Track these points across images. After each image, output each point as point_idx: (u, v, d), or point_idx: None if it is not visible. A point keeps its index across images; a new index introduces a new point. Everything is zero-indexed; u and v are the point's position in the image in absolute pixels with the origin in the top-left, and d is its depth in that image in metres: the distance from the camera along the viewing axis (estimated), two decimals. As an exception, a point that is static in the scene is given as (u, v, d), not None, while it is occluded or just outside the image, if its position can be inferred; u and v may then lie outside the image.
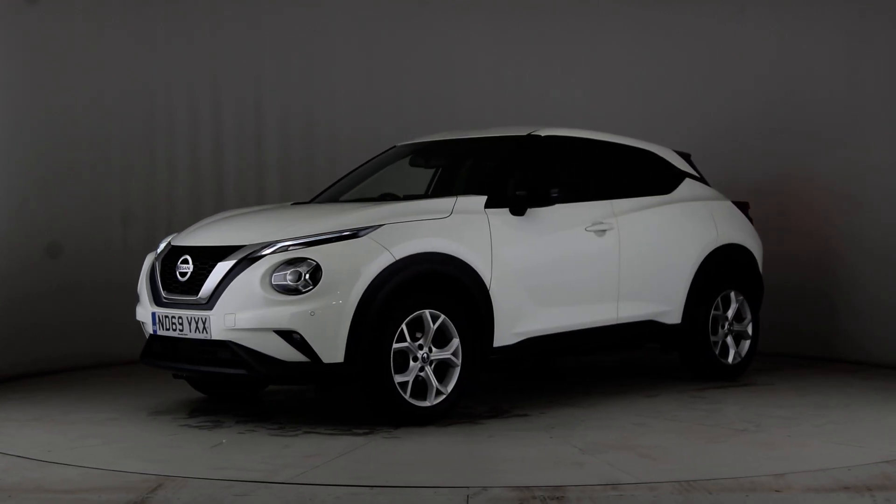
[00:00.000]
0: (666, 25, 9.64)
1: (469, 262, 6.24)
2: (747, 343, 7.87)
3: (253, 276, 5.85)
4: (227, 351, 5.91)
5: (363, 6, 9.82)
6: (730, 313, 7.75)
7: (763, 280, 8.04)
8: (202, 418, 6.44)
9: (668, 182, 7.70)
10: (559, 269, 6.74)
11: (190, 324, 6.04)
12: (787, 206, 9.08)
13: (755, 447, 5.61)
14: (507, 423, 6.22)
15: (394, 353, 5.94)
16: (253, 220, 6.49)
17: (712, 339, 7.62)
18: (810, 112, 8.91)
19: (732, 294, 7.78)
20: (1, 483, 4.96)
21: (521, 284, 6.49)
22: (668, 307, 7.34)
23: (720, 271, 7.67)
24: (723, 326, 7.72)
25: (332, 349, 5.78)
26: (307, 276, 5.78)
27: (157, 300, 6.32)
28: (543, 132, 7.13)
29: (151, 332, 6.36)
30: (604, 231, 6.97)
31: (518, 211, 6.55)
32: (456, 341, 6.16)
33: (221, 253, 6.06)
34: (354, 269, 5.82)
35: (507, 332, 6.43)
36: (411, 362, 6.03)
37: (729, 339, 7.77)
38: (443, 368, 6.17)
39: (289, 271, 5.80)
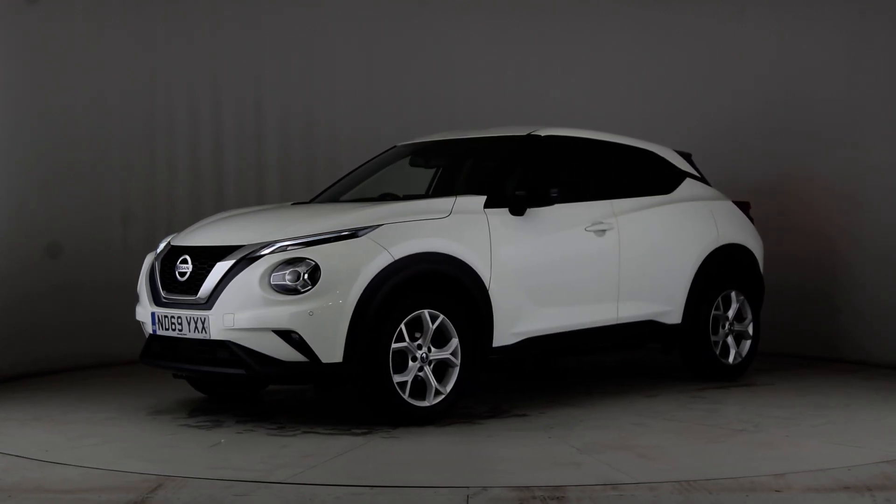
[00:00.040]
0: (666, 25, 9.64)
1: (468, 262, 6.24)
2: (748, 343, 7.87)
3: (252, 275, 5.85)
4: (225, 351, 5.92)
5: (363, 6, 9.82)
6: (730, 313, 7.75)
7: (764, 280, 8.03)
8: (202, 418, 6.44)
9: (668, 182, 7.70)
10: (559, 269, 6.74)
11: (189, 324, 6.04)
12: (787, 206, 9.07)
13: (753, 447, 5.61)
14: (506, 423, 6.22)
15: (393, 352, 5.94)
16: (252, 220, 6.49)
17: (713, 339, 7.62)
18: (810, 112, 8.91)
19: (733, 294, 7.77)
20: (1, 483, 4.96)
21: (520, 284, 6.49)
22: (669, 307, 7.34)
23: (721, 271, 7.67)
24: (723, 326, 7.72)
25: (331, 349, 5.78)
26: (306, 275, 5.78)
27: (157, 300, 6.32)
28: (543, 132, 7.13)
29: (151, 331, 6.37)
30: (604, 231, 6.96)
31: (517, 211, 6.55)
32: (455, 341, 6.16)
33: (220, 253, 6.06)
34: (353, 268, 5.82)
35: (506, 332, 6.43)
36: (410, 362, 6.03)
37: (730, 339, 7.76)
38: (442, 368, 6.17)
39: (287, 271, 5.80)
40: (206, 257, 6.13)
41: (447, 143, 7.56)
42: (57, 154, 8.64)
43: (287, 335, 5.78)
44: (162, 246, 6.64)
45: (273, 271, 5.83)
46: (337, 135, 9.75)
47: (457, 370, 6.17)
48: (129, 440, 5.96)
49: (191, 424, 6.27)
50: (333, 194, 7.53)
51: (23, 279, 8.34)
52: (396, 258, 5.94)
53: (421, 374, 6.06)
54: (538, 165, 7.00)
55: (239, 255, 5.97)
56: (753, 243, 7.98)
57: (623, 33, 9.74)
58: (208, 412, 6.62)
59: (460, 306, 6.22)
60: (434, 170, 7.84)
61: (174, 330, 6.14)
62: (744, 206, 8.11)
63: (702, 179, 7.98)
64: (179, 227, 7.22)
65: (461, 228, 6.29)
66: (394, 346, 5.94)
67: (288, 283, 5.79)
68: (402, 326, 5.97)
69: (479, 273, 6.28)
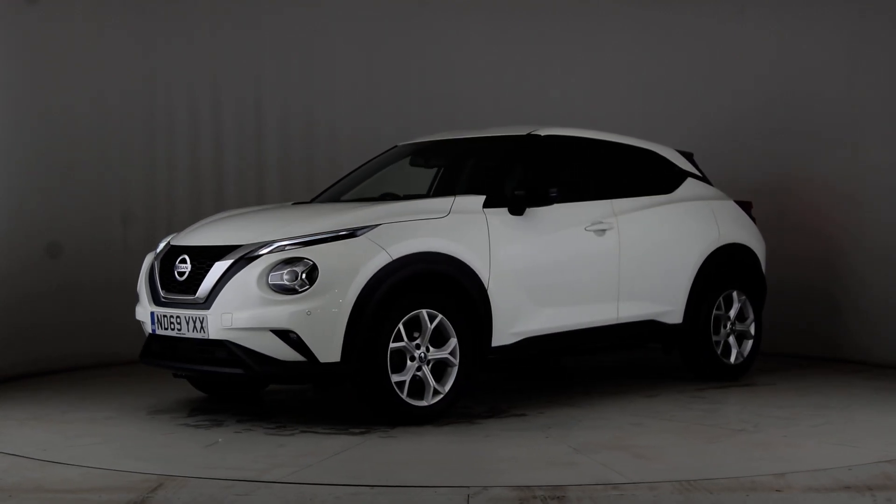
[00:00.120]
0: (666, 25, 9.64)
1: (467, 262, 6.23)
2: (749, 343, 7.85)
3: (250, 275, 5.85)
4: (224, 350, 5.92)
5: (363, 6, 9.82)
6: (732, 313, 7.74)
7: (766, 280, 8.03)
8: (201, 417, 6.45)
9: (669, 181, 7.69)
10: (558, 268, 6.74)
11: (188, 323, 6.05)
12: (787, 206, 9.07)
13: (751, 447, 5.60)
14: (504, 422, 6.22)
15: (391, 352, 5.94)
16: (251, 220, 6.49)
17: (714, 338, 7.60)
18: (810, 112, 8.91)
19: (735, 294, 7.76)
20: (1, 483, 4.96)
21: (519, 284, 6.49)
22: (670, 307, 7.33)
23: (722, 271, 7.66)
24: (725, 326, 7.71)
25: (329, 349, 5.78)
26: (304, 275, 5.78)
27: (156, 300, 6.33)
28: (543, 132, 7.12)
29: (150, 331, 6.37)
30: (603, 231, 6.96)
31: (517, 211, 6.55)
32: (453, 341, 6.16)
33: (219, 252, 6.07)
34: (351, 268, 5.82)
35: (505, 331, 6.43)
36: (408, 362, 6.04)
37: (731, 339, 7.75)
38: (441, 368, 6.17)
39: (285, 271, 5.81)
40: (204, 257, 6.13)
41: (447, 142, 7.56)
42: (57, 154, 8.64)
43: (285, 335, 5.78)
44: (162, 246, 6.65)
45: (271, 271, 5.83)
46: (337, 135, 9.75)
47: (455, 370, 6.17)
48: (127, 439, 5.96)
49: (190, 424, 6.27)
50: (334, 194, 7.53)
51: (23, 279, 8.34)
52: (394, 258, 5.94)
53: (419, 373, 6.06)
54: (538, 165, 7.00)
55: (237, 254, 5.97)
56: (755, 243, 7.97)
57: (623, 33, 9.73)
58: (208, 412, 6.63)
59: (459, 306, 6.21)
60: (435, 170, 7.84)
61: (173, 329, 6.15)
62: (746, 206, 8.10)
63: (703, 179, 7.98)
64: (179, 227, 7.22)
65: (460, 228, 6.29)
66: (392, 345, 5.94)
67: (286, 282, 5.79)
68: (401, 326, 5.97)
69: (477, 273, 6.28)
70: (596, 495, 4.57)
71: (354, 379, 5.94)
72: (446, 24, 9.90)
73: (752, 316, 7.87)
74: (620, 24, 9.73)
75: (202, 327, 5.97)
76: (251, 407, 6.82)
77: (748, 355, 7.83)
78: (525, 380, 8.00)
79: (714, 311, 7.60)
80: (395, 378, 5.96)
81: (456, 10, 9.89)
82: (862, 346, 8.59)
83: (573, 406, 6.71)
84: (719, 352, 7.64)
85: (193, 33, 9.38)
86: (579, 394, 7.17)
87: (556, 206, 6.69)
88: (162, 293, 6.29)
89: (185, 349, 6.17)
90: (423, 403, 6.07)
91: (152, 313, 6.31)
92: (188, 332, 6.05)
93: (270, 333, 5.79)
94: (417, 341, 6.07)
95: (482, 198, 6.49)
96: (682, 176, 7.79)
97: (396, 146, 7.89)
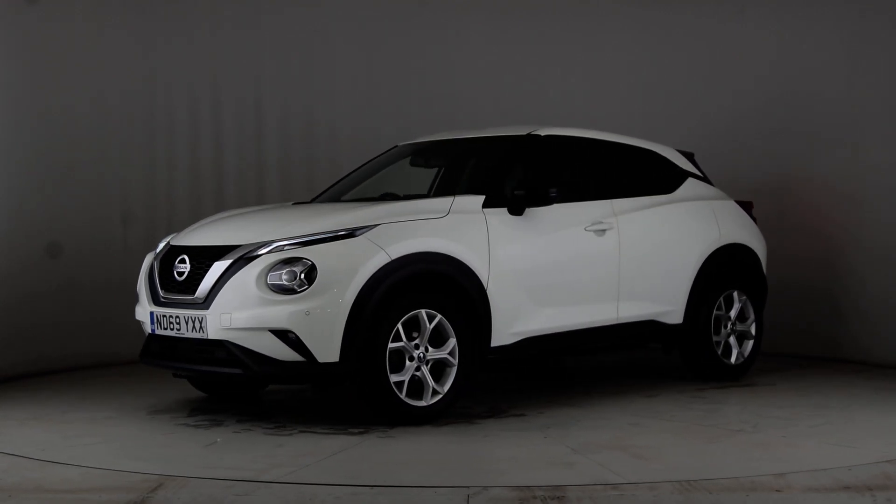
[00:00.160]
0: (666, 25, 9.63)
1: (466, 262, 6.23)
2: (750, 343, 7.85)
3: (248, 275, 5.85)
4: (223, 350, 5.92)
5: (363, 6, 9.83)
6: (732, 313, 7.73)
7: (767, 280, 8.02)
8: (200, 417, 6.45)
9: (669, 181, 7.69)
10: (557, 268, 6.73)
11: (187, 323, 6.05)
12: (787, 206, 9.06)
13: (750, 448, 5.60)
14: (503, 422, 6.21)
15: (390, 352, 5.94)
16: (250, 220, 6.49)
17: (715, 339, 7.60)
18: (810, 112, 8.90)
19: (735, 294, 7.75)
20: (1, 483, 4.96)
21: (519, 284, 6.48)
22: (670, 307, 7.33)
23: (723, 271, 7.65)
24: (725, 326, 7.70)
25: (328, 349, 5.78)
26: (302, 275, 5.78)
27: (156, 300, 6.33)
28: (543, 132, 7.12)
29: (150, 331, 6.37)
30: (603, 231, 6.96)
31: (516, 210, 6.55)
32: (452, 341, 6.16)
33: (218, 252, 6.07)
34: (350, 268, 5.82)
35: (504, 331, 6.42)
36: (407, 362, 6.03)
37: (732, 340, 7.74)
38: (440, 368, 6.17)
39: (284, 271, 5.81)
40: (203, 257, 6.13)
41: (448, 142, 7.56)
42: (57, 154, 8.65)
43: (284, 335, 5.78)
44: (161, 246, 6.66)
45: (270, 271, 5.83)
46: (337, 135, 9.75)
47: (454, 370, 6.17)
48: (127, 439, 5.96)
49: (189, 424, 6.27)
50: (334, 194, 7.53)
51: (23, 279, 8.35)
52: (393, 258, 5.94)
53: (418, 373, 6.06)
54: (538, 165, 7.00)
55: (236, 254, 5.97)
56: (756, 243, 7.96)
57: (623, 33, 9.73)
58: (208, 411, 6.63)
59: (458, 306, 6.21)
60: (436, 170, 7.84)
61: (172, 329, 6.15)
62: (747, 206, 8.09)
63: (704, 179, 7.97)
64: (179, 227, 7.22)
65: (459, 228, 6.29)
66: (391, 345, 5.94)
67: (284, 282, 5.79)
68: (399, 326, 5.97)
69: (476, 273, 6.27)
70: (596, 495, 4.57)
71: (353, 379, 5.94)
72: (446, 24, 9.90)
73: (752, 316, 7.86)
74: (620, 24, 9.73)
75: (201, 327, 5.97)
76: (251, 407, 6.82)
77: (749, 355, 7.83)
78: (525, 380, 8.00)
79: (714, 312, 7.59)
80: (393, 378, 5.96)
81: (456, 10, 9.89)
82: (862, 346, 8.59)
83: (573, 406, 6.70)
84: (720, 352, 7.63)
85: (193, 33, 9.38)
86: (579, 394, 7.17)
87: (555, 206, 6.69)
88: (161, 293, 6.29)
89: (184, 349, 6.17)
90: (422, 403, 6.07)
91: (151, 313, 6.31)
92: (187, 332, 6.05)
93: (269, 333, 5.79)
94: (416, 341, 6.06)
95: (481, 198, 6.49)
96: (682, 176, 7.79)
97: (396, 146, 7.89)
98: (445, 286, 6.19)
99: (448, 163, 7.73)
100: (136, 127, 9.13)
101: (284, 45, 9.67)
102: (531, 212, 6.61)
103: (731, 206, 7.95)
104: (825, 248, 8.85)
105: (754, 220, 8.10)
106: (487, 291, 6.31)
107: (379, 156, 7.89)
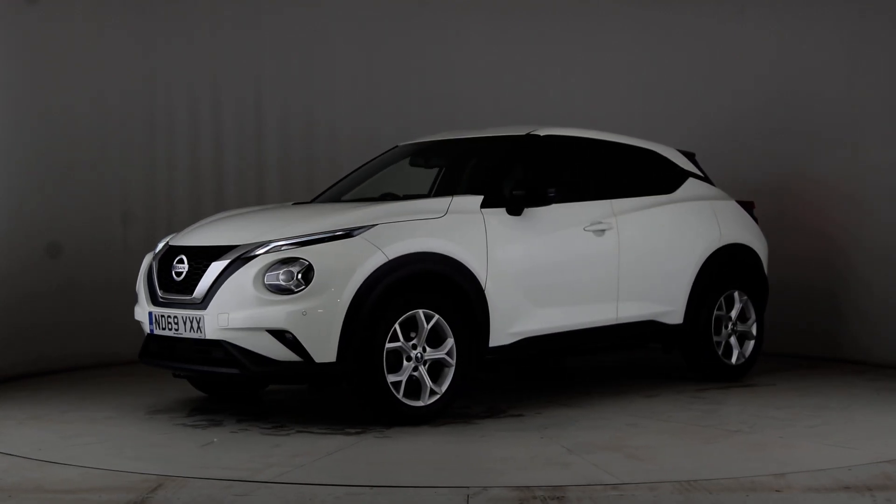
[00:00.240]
0: (666, 25, 9.63)
1: (464, 262, 6.23)
2: (751, 343, 7.84)
3: (246, 275, 5.86)
4: (220, 350, 5.92)
5: (363, 6, 9.83)
6: (733, 313, 7.72)
7: (768, 280, 8.02)
8: (199, 417, 6.45)
9: (670, 181, 7.68)
10: (556, 268, 6.73)
11: (185, 323, 6.05)
12: (788, 206, 9.06)
13: (746, 448, 5.58)
14: (501, 423, 6.21)
15: (387, 352, 5.94)
16: (248, 220, 6.50)
17: (715, 339, 7.59)
18: (810, 112, 8.90)
19: (736, 294, 7.74)
20: (1, 483, 4.97)
21: (517, 284, 6.48)
22: (670, 307, 7.32)
23: (723, 271, 7.64)
24: (726, 327, 7.69)
25: (325, 349, 5.78)
26: (299, 275, 5.79)
27: (154, 300, 6.34)
28: (542, 132, 7.12)
29: (149, 331, 6.38)
30: (603, 231, 6.95)
31: (515, 211, 6.55)
32: (450, 341, 6.16)
33: (216, 253, 6.07)
34: (347, 268, 5.82)
35: (502, 332, 6.42)
36: (405, 362, 6.03)
37: (732, 340, 7.73)
38: (437, 368, 6.17)
39: (281, 271, 5.81)
40: (201, 257, 6.14)
41: (447, 143, 7.56)
42: (57, 154, 8.66)
43: (281, 335, 5.78)
44: (160, 246, 6.66)
45: (267, 271, 5.83)
46: (337, 135, 9.75)
47: (452, 370, 6.16)
48: (127, 439, 5.96)
49: (187, 424, 6.28)
50: (334, 194, 7.53)
51: (23, 279, 8.35)
52: (391, 258, 5.93)
53: (416, 374, 6.06)
54: (537, 165, 6.99)
55: (234, 255, 5.97)
56: (757, 243, 7.96)
57: (623, 33, 9.73)
58: (207, 411, 6.63)
59: (456, 306, 6.21)
60: (436, 170, 7.84)
61: (171, 329, 6.16)
62: (748, 206, 8.08)
63: (705, 179, 7.96)
64: (179, 227, 7.23)
65: (457, 228, 6.28)
66: (388, 345, 5.94)
67: (282, 282, 5.79)
68: (397, 326, 5.97)
69: (475, 273, 6.27)
70: (596, 496, 4.56)
71: (350, 379, 5.94)
72: (446, 24, 9.90)
73: (753, 316, 7.85)
74: (620, 24, 9.73)
75: (199, 327, 5.97)
76: (250, 407, 6.82)
77: (749, 356, 7.81)
78: (525, 380, 7.99)
79: (715, 312, 7.58)
80: (391, 378, 5.95)
81: (456, 10, 9.89)
82: (862, 346, 8.58)
83: (572, 406, 6.70)
84: (720, 352, 7.62)
85: (193, 33, 9.39)
86: (579, 394, 7.16)
87: (554, 206, 6.68)
88: (160, 293, 6.30)
89: (182, 349, 6.18)
90: (420, 404, 6.06)
91: (150, 313, 6.31)
92: (185, 333, 6.06)
93: (266, 333, 5.79)
94: (414, 341, 6.06)
95: (480, 198, 6.49)
96: (683, 176, 7.78)
97: (397, 146, 7.89)
98: (443, 286, 6.19)
99: (448, 163, 7.72)
100: (136, 127, 9.14)
101: (284, 45, 9.67)
102: (530, 212, 6.61)
103: (733, 206, 7.95)
104: (825, 248, 8.85)
105: (756, 220, 8.09)
106: (485, 291, 6.31)
107: (379, 156, 7.89)
